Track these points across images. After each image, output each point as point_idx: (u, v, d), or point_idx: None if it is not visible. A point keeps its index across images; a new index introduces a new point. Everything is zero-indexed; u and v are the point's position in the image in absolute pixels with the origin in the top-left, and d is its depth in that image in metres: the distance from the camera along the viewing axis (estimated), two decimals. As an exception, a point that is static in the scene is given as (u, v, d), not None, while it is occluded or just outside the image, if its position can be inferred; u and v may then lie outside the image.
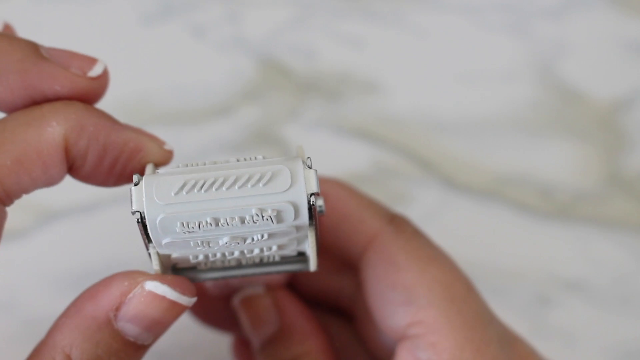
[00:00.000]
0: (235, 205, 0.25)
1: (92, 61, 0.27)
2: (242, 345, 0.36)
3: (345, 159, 0.47)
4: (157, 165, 0.28)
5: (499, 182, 0.47)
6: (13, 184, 0.26)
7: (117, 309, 0.26)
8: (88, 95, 0.27)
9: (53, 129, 0.26)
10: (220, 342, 0.40)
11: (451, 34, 0.51)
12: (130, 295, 0.26)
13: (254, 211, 0.25)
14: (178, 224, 0.25)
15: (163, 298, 0.26)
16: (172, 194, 0.25)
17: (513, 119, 0.48)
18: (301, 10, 0.51)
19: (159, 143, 0.28)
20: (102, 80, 0.28)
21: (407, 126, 0.48)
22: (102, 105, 0.47)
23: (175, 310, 0.26)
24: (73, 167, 0.27)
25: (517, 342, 0.31)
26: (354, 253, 0.32)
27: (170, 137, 0.47)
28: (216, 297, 0.35)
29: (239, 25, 0.50)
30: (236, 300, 0.34)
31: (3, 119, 0.26)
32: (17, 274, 0.43)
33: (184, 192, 0.25)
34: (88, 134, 0.27)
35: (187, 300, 0.27)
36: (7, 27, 0.30)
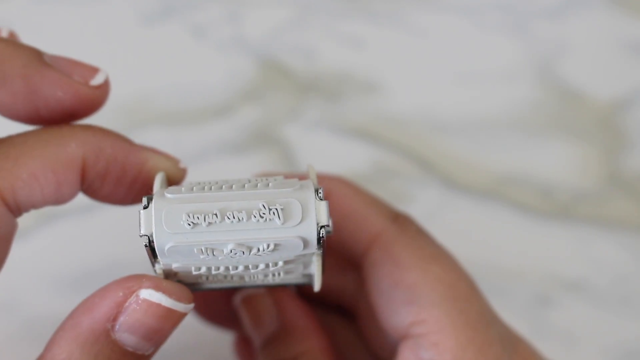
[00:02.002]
0: (245, 238, 0.25)
1: (95, 70, 0.28)
2: (245, 343, 0.36)
3: (345, 159, 0.47)
4: (171, 182, 0.28)
5: (499, 182, 0.47)
6: (25, 197, 0.26)
7: (114, 319, 0.26)
8: (89, 103, 0.28)
9: (72, 149, 0.27)
10: (222, 341, 0.40)
11: (451, 34, 0.51)
12: (126, 304, 0.26)
13: (262, 246, 0.26)
14: (194, 249, 0.26)
15: (158, 305, 0.26)
16: (181, 224, 0.25)
17: (513, 119, 0.48)
18: (301, 10, 0.51)
19: (174, 162, 0.29)
20: (104, 89, 0.28)
21: (407, 126, 0.48)
22: (102, 105, 0.47)
23: (173, 317, 0.26)
24: (92, 189, 0.28)
25: (519, 342, 0.31)
26: (357, 251, 0.32)
27: (170, 137, 0.47)
28: (217, 295, 0.35)
29: (239, 25, 0.50)
30: (237, 299, 0.34)
31: (24, 134, 0.27)
32: (17, 274, 0.42)
33: (192, 224, 0.25)
34: (106, 155, 0.27)
35: (184, 307, 0.26)
36: (12, 35, 0.30)
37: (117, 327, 0.26)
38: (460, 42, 0.51)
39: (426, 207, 0.46)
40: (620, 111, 0.49)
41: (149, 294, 0.26)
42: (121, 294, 0.26)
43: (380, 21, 0.51)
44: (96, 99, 0.28)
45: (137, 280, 0.26)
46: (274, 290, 0.34)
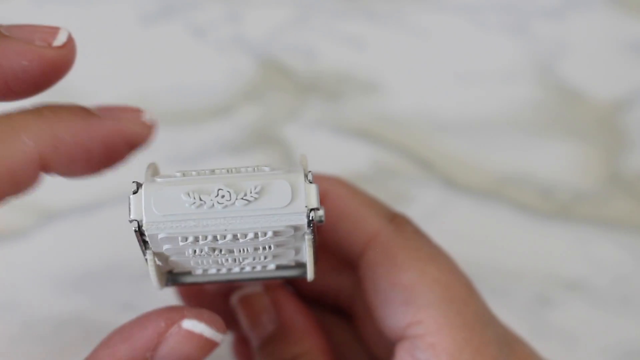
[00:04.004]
0: (236, 227, 0.26)
1: (55, 30, 0.27)
2: (242, 344, 0.36)
3: (345, 159, 0.47)
4: (140, 141, 0.28)
5: (499, 182, 0.47)
6: None
7: (154, 349, 0.26)
8: (57, 65, 0.26)
9: (26, 146, 0.25)
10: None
11: (451, 34, 0.51)
12: (167, 334, 0.26)
13: (252, 235, 0.26)
14: (179, 238, 0.26)
15: (200, 336, 0.26)
16: (172, 208, 0.25)
17: (513, 119, 0.48)
18: (301, 10, 0.51)
19: (137, 117, 0.28)
20: (69, 48, 0.27)
21: (407, 126, 0.48)
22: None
23: (209, 346, 0.27)
24: (63, 173, 0.27)
25: (517, 343, 0.31)
26: (353, 252, 0.32)
27: (170, 137, 0.47)
28: (214, 294, 0.35)
29: (239, 25, 0.50)
30: (234, 299, 0.34)
31: None
32: (17, 274, 0.43)
33: (184, 207, 0.26)
34: (66, 145, 0.26)
35: (221, 338, 0.27)
36: None
37: (157, 356, 0.26)
38: (460, 42, 0.51)
39: (426, 207, 0.46)
40: (620, 111, 0.49)
41: (192, 325, 0.26)
42: (163, 324, 0.26)
43: (380, 21, 0.51)
44: (63, 59, 0.26)
45: (178, 311, 0.26)
46: (271, 290, 0.34)
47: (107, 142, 0.27)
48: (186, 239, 0.26)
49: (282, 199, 0.26)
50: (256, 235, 0.26)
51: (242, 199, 0.26)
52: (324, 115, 0.48)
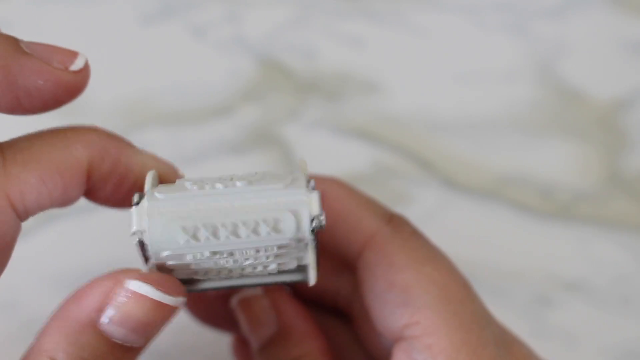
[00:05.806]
0: (239, 247, 0.26)
1: (74, 55, 0.27)
2: (242, 345, 0.36)
3: (345, 159, 0.47)
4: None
5: (499, 182, 0.47)
6: (33, 201, 0.26)
7: (101, 310, 0.26)
8: (70, 89, 0.27)
9: (78, 152, 0.27)
10: (220, 342, 0.40)
11: (451, 34, 0.51)
12: (113, 296, 0.26)
13: (252, 252, 0.26)
14: (179, 235, 0.26)
15: (146, 298, 0.26)
16: (175, 190, 0.26)
17: (513, 119, 0.48)
18: (301, 10, 0.51)
19: (173, 170, 0.29)
20: (84, 74, 0.27)
21: (407, 126, 0.48)
22: (102, 105, 0.47)
23: (162, 310, 0.26)
24: (93, 190, 0.28)
25: (514, 344, 0.31)
26: (351, 253, 0.32)
27: (170, 137, 0.47)
28: (215, 296, 0.35)
29: (239, 25, 0.50)
30: (234, 301, 0.34)
31: (29, 137, 0.27)
32: (17, 274, 0.42)
33: (186, 188, 0.26)
34: (111, 157, 0.27)
35: (174, 300, 0.26)
36: None
37: (103, 318, 0.26)
38: (460, 42, 0.51)
39: (426, 207, 0.46)
40: (620, 111, 0.49)
41: (136, 286, 0.25)
42: (109, 284, 0.26)
43: (380, 21, 0.51)
44: (77, 84, 0.27)
45: (126, 271, 0.26)
46: (271, 292, 0.34)
47: (143, 172, 0.28)
48: (186, 230, 0.26)
49: (281, 182, 0.26)
50: (258, 250, 0.26)
51: (243, 179, 0.26)
52: (324, 115, 0.48)
